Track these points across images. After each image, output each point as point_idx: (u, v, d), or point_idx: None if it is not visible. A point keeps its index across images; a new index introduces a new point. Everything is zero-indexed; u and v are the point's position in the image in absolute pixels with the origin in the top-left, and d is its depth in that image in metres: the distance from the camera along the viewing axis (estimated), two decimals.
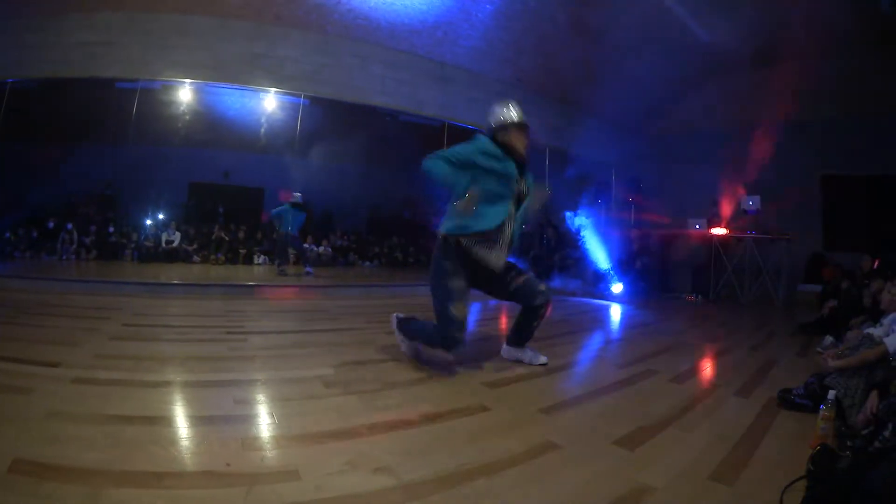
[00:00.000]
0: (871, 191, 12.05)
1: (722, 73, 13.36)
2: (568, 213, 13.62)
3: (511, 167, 3.77)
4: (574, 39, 11.77)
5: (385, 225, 19.48)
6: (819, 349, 4.60)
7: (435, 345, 3.81)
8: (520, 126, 3.90)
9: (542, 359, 4.08)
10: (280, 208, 11.34)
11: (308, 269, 11.23)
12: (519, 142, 3.89)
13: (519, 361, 4.10)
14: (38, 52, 10.71)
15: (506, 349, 4.24)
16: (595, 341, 5.79)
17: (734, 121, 13.78)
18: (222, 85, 11.47)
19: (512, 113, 3.92)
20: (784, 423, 2.90)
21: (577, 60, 12.64)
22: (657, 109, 14.97)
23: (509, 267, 3.94)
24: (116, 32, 10.74)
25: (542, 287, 4.00)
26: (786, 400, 3.20)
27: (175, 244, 14.39)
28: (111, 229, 14.57)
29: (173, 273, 10.41)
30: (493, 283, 3.94)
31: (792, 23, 10.65)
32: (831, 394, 2.67)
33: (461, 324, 3.67)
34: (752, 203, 11.76)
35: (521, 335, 4.15)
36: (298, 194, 11.24)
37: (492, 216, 3.69)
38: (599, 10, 10.84)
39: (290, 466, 2.03)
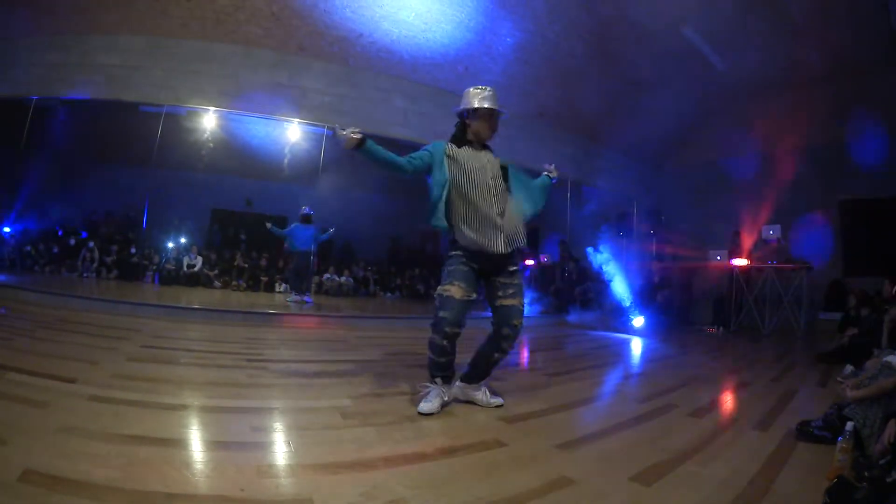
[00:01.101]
0: (889, 213, 11.83)
1: (739, 102, 13.40)
2: (589, 247, 13.60)
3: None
4: (593, 72, 11.85)
5: (406, 256, 19.51)
6: (839, 378, 4.60)
7: (431, 339, 3.62)
8: (483, 111, 3.73)
9: (499, 400, 3.77)
10: (289, 228, 11.12)
11: (308, 298, 10.86)
12: (483, 128, 3.77)
13: (471, 402, 3.76)
14: (61, 71, 10.93)
15: (458, 387, 3.81)
16: (614, 375, 5.77)
17: (753, 150, 13.77)
18: (246, 114, 11.57)
19: (477, 97, 3.74)
20: (802, 456, 2.88)
21: (597, 93, 12.72)
22: (677, 141, 15.02)
23: (512, 277, 3.74)
24: (138, 56, 10.96)
25: (518, 321, 3.66)
26: (804, 432, 3.18)
27: (196, 269, 14.44)
28: (133, 250, 14.67)
29: (194, 297, 10.42)
30: (490, 278, 3.74)
31: (807, 48, 10.72)
32: (849, 425, 2.66)
33: (455, 306, 3.52)
34: (772, 232, 11.74)
35: (478, 370, 3.82)
36: (306, 208, 10.97)
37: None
38: (617, 42, 10.94)
39: (305, 495, 2.04)
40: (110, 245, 14.79)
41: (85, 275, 13.65)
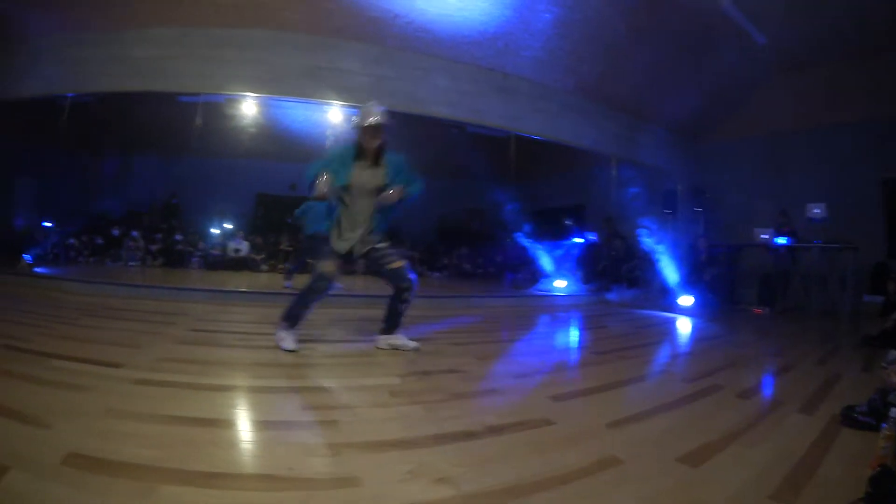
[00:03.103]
0: None
1: (782, 76, 13.11)
2: (635, 224, 13.44)
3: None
4: (633, 46, 11.62)
5: (453, 235, 19.54)
6: (883, 364, 4.48)
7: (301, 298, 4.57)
8: (368, 128, 4.48)
9: (413, 344, 4.70)
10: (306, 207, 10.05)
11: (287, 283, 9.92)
12: (369, 141, 4.52)
13: (394, 347, 4.67)
14: (93, 66, 11.03)
15: (380, 339, 4.78)
16: (662, 355, 5.69)
17: (797, 125, 13.48)
18: (284, 98, 11.60)
19: (362, 116, 4.54)
20: (846, 442, 2.77)
21: (639, 68, 12.49)
22: (721, 116, 14.75)
23: (387, 251, 4.67)
24: (172, 47, 10.99)
25: (409, 276, 4.68)
26: (849, 417, 3.07)
27: (242, 253, 14.61)
28: (178, 237, 14.88)
29: (240, 281, 10.53)
30: (369, 263, 4.73)
31: (849, 20, 10.41)
32: (893, 411, 2.57)
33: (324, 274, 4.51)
34: (817, 210, 11.33)
35: (392, 322, 4.77)
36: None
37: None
38: (657, 14, 10.70)
39: (352, 473, 2.03)
40: (154, 234, 15.03)
41: (130, 264, 13.94)
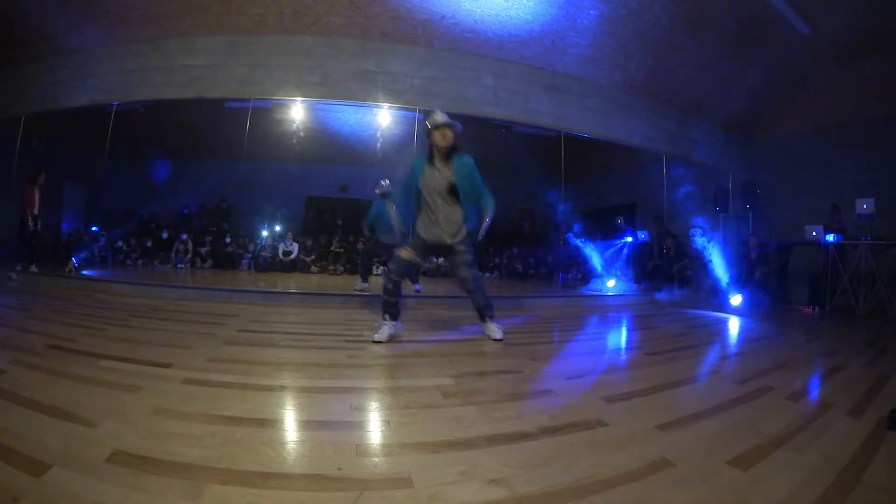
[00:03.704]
0: None
1: (830, 69, 12.86)
2: (687, 223, 13.29)
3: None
4: (680, 39, 11.51)
5: (504, 236, 19.51)
6: None
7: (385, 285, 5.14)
8: (436, 129, 5.06)
9: (498, 334, 5.32)
10: (374, 209, 9.70)
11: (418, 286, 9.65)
12: (439, 141, 5.06)
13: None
14: (140, 76, 11.46)
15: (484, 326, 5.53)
16: (712, 356, 5.61)
17: (845, 119, 13.18)
18: (335, 102, 11.72)
19: (431, 120, 5.13)
20: (893, 447, 2.70)
21: (686, 61, 12.36)
22: (770, 111, 14.52)
23: (464, 258, 5.29)
24: (219, 55, 11.30)
25: (472, 285, 5.39)
26: (895, 420, 3.01)
27: (293, 255, 14.76)
28: (228, 240, 15.09)
29: (291, 283, 10.62)
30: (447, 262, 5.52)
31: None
32: None
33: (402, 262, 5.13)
34: (865, 206, 10.98)
35: (479, 313, 5.58)
36: (386, 182, 9.70)
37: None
38: (702, 6, 10.57)
39: (404, 474, 2.04)
40: (204, 236, 15.26)
41: (179, 266, 14.19)
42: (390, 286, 5.07)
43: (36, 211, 10.54)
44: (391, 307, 5.10)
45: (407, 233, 5.33)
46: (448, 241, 5.18)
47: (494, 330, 5.31)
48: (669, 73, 12.77)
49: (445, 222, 5.15)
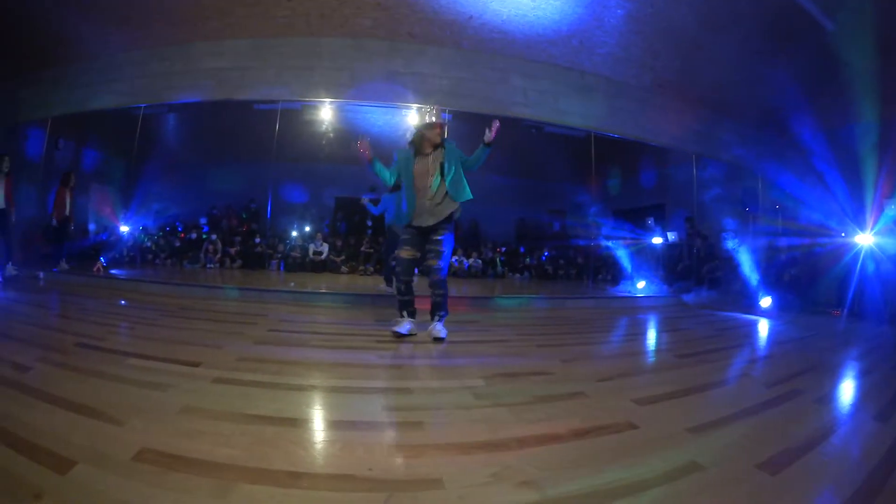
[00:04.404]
0: None
1: (854, 65, 12.67)
2: (716, 223, 13.19)
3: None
4: (707, 37, 11.38)
5: (534, 237, 19.50)
6: None
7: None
8: (433, 124, 5.48)
9: (439, 334, 5.21)
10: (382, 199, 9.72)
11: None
12: (436, 137, 5.42)
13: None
14: (166, 79, 11.62)
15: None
16: (741, 358, 5.58)
17: (874, 118, 12.98)
18: (364, 103, 11.77)
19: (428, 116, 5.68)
20: None
21: (713, 60, 12.20)
22: (799, 109, 14.35)
23: (438, 247, 5.29)
24: (246, 58, 11.42)
25: (438, 276, 5.34)
26: None
27: (323, 256, 14.82)
28: (257, 240, 15.18)
29: (321, 283, 10.66)
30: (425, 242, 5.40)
31: None
32: None
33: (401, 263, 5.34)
34: (893, 207, 10.89)
35: (431, 311, 5.49)
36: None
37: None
38: (727, 8, 10.47)
39: (434, 475, 2.05)
40: (233, 237, 15.37)
41: (208, 266, 14.29)
42: (402, 287, 5.36)
43: (67, 212, 10.71)
44: (407, 305, 5.40)
45: (392, 185, 5.85)
46: (432, 221, 5.30)
47: (439, 329, 5.27)
48: (698, 72, 12.65)
49: (432, 204, 5.31)
